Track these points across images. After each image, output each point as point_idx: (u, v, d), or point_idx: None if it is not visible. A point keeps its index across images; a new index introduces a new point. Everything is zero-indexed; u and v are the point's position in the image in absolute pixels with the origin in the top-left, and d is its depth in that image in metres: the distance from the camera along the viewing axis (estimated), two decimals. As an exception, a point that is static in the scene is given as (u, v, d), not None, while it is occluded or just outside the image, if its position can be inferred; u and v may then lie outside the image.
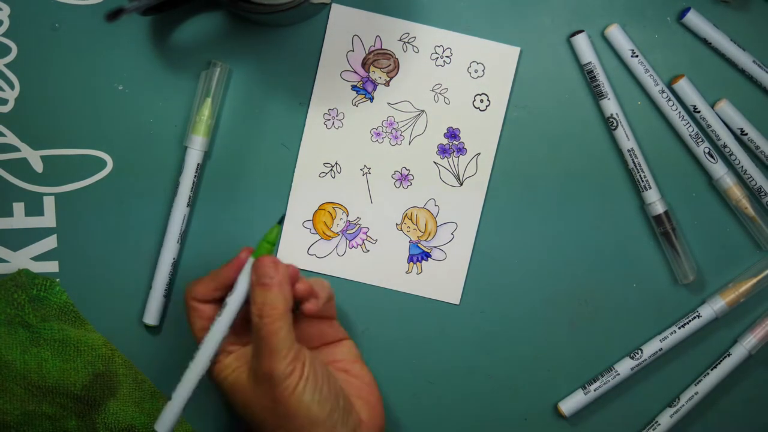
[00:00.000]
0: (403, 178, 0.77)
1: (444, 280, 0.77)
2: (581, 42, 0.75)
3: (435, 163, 0.77)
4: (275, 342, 0.64)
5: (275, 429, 0.66)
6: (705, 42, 0.76)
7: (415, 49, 0.76)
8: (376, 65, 0.76)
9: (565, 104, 0.77)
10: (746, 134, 0.76)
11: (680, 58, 0.77)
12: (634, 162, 0.76)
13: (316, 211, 0.77)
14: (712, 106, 0.76)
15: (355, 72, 0.76)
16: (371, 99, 0.76)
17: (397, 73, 0.76)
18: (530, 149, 0.77)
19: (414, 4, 0.76)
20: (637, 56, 0.75)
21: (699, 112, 0.76)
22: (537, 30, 0.76)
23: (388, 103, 0.76)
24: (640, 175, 0.76)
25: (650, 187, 0.76)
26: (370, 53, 0.76)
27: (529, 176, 0.77)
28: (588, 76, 0.76)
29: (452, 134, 0.77)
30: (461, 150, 0.77)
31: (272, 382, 0.65)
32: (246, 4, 0.69)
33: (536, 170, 0.77)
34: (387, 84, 0.76)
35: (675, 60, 0.77)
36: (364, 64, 0.76)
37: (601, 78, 0.75)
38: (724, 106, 0.76)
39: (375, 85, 0.76)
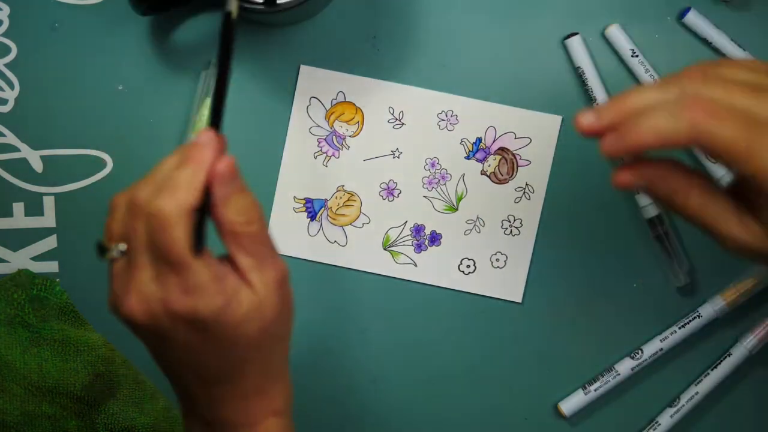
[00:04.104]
0: (390, 191, 0.77)
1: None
2: (573, 45, 0.75)
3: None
4: (271, 240, 0.58)
5: (283, 337, 0.60)
6: (705, 42, 0.76)
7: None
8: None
9: (564, 106, 0.77)
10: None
11: (680, 58, 0.77)
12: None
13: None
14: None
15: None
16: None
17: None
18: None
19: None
20: (637, 56, 0.75)
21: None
22: (536, 30, 0.76)
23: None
24: (629, 180, 0.76)
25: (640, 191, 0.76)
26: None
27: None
28: (579, 80, 0.76)
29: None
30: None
31: (284, 282, 0.58)
32: (246, 4, 0.68)
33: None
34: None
35: (675, 60, 0.77)
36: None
37: (591, 83, 0.75)
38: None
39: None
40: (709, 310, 0.77)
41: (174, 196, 0.54)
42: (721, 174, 0.76)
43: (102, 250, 0.57)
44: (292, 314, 0.59)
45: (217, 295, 0.55)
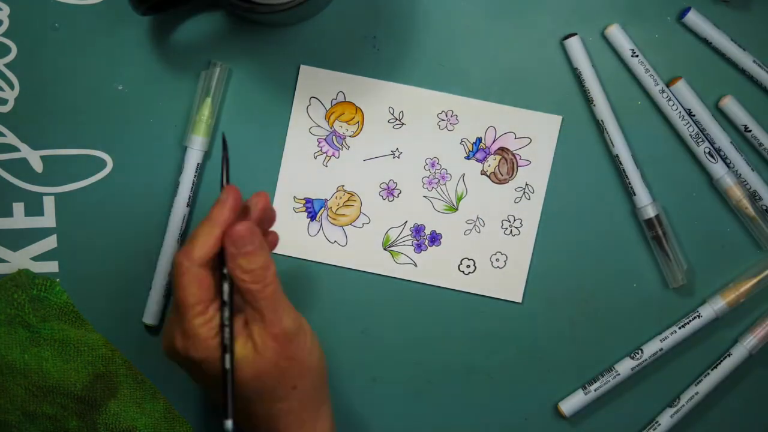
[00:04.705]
0: (390, 191, 0.77)
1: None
2: (571, 46, 0.75)
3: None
4: (279, 300, 0.63)
5: (286, 395, 0.65)
6: (705, 42, 0.76)
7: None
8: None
9: (564, 106, 0.76)
10: (750, 131, 0.76)
11: (680, 58, 0.77)
12: (619, 168, 0.76)
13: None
14: (717, 103, 0.76)
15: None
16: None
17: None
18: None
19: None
20: (637, 56, 0.75)
21: (694, 116, 0.76)
22: (537, 29, 0.76)
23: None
24: (626, 181, 0.76)
25: (635, 193, 0.75)
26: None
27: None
28: (577, 81, 0.76)
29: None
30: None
31: (287, 340, 0.63)
32: (246, 4, 0.69)
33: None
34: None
35: (675, 60, 0.77)
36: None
37: (589, 84, 0.75)
38: (729, 103, 0.76)
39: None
40: (709, 310, 0.77)
41: (187, 249, 0.62)
42: (722, 174, 0.76)
43: None
44: (301, 368, 0.65)
45: (203, 346, 0.62)
